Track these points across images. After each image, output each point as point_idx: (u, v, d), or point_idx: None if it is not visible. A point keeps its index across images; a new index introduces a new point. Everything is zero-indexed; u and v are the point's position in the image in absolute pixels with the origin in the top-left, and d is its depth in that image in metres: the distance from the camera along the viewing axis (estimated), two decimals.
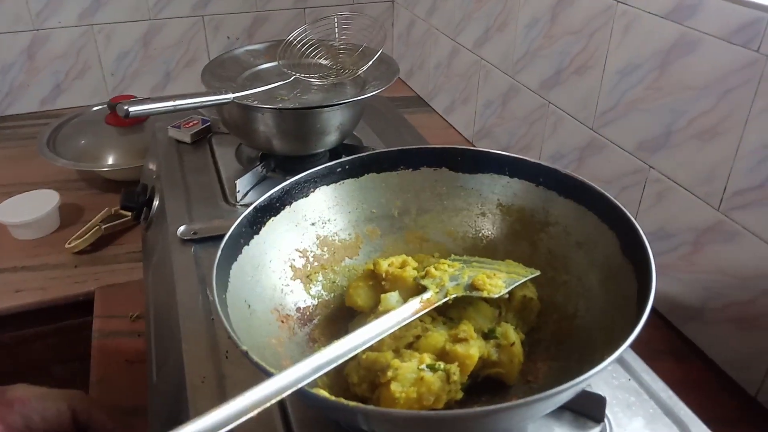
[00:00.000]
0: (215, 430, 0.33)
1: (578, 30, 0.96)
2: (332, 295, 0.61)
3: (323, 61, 0.96)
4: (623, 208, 0.53)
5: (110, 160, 1.20)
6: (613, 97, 0.91)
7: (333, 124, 0.85)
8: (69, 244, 1.03)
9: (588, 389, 0.52)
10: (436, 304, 0.50)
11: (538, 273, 0.55)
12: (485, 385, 0.51)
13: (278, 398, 0.36)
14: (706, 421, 0.54)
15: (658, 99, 0.83)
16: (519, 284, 0.53)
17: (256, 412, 0.35)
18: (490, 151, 0.64)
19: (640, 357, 0.61)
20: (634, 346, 0.62)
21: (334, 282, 0.62)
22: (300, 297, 0.59)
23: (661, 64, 0.81)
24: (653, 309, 0.90)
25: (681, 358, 0.84)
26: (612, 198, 0.54)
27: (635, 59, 0.86)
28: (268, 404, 0.36)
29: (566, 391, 0.38)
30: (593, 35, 0.93)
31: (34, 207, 1.07)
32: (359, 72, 0.91)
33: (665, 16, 0.79)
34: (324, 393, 0.40)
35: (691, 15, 0.76)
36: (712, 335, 0.81)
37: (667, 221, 0.85)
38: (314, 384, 0.43)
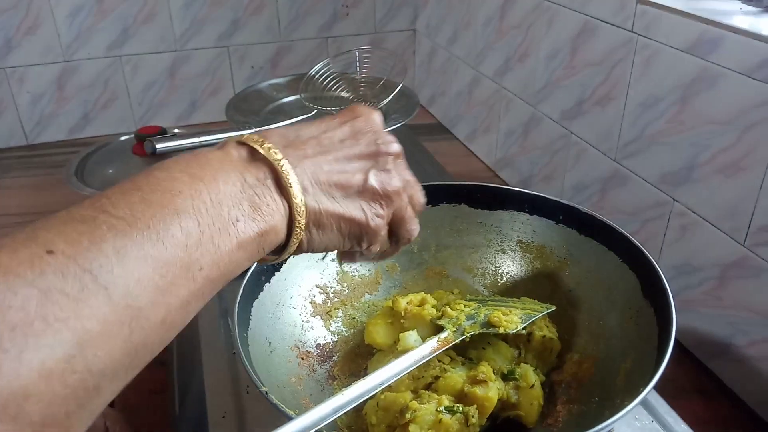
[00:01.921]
0: None
1: (599, 62, 0.96)
2: (352, 331, 0.61)
3: (344, 94, 0.97)
4: (644, 250, 0.52)
5: None
6: (636, 129, 0.91)
7: None
8: None
9: None
10: (454, 343, 0.50)
11: (553, 308, 0.55)
12: (504, 427, 0.51)
13: None
14: None
15: (680, 132, 0.83)
16: (535, 320, 0.53)
17: None
18: (510, 188, 0.64)
19: (665, 394, 0.60)
20: (658, 384, 0.62)
21: (354, 318, 0.62)
22: (320, 333, 0.59)
23: (683, 98, 0.81)
24: (678, 344, 0.88)
25: (707, 395, 0.83)
26: (633, 239, 0.54)
27: (657, 92, 0.86)
28: None
29: None
30: (614, 67, 0.93)
31: None
32: (380, 105, 0.92)
33: (686, 51, 0.79)
34: None
35: (712, 50, 0.75)
36: (739, 372, 0.79)
37: (692, 255, 0.84)
38: (334, 425, 0.44)
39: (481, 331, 0.51)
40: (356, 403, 0.42)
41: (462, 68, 1.43)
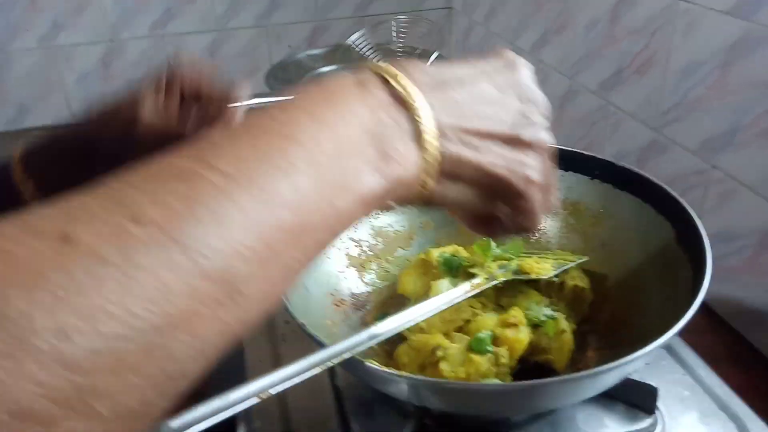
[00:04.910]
0: (272, 386, 0.35)
1: (639, 29, 0.95)
2: (385, 283, 0.62)
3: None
4: (679, 198, 0.52)
5: None
6: (676, 96, 0.89)
7: None
8: None
9: (640, 380, 0.52)
10: (486, 286, 0.51)
11: (586, 258, 0.55)
12: (535, 372, 0.51)
13: (331, 363, 0.38)
14: None
15: (721, 97, 0.81)
16: (568, 268, 0.53)
17: (310, 373, 0.37)
18: None
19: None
20: (694, 349, 0.61)
21: (387, 271, 0.63)
22: (354, 284, 0.61)
23: (725, 62, 0.80)
24: (714, 313, 0.87)
25: (744, 364, 0.81)
26: (668, 188, 0.54)
27: (698, 57, 0.84)
28: (321, 368, 0.38)
29: (612, 371, 0.39)
30: (654, 34, 0.92)
31: None
32: None
33: (728, 12, 0.78)
34: (374, 363, 0.42)
35: (756, 10, 0.74)
36: None
37: (731, 223, 0.82)
38: (365, 356, 0.45)
39: (513, 277, 0.52)
40: (388, 335, 0.43)
41: (499, 44, 1.42)
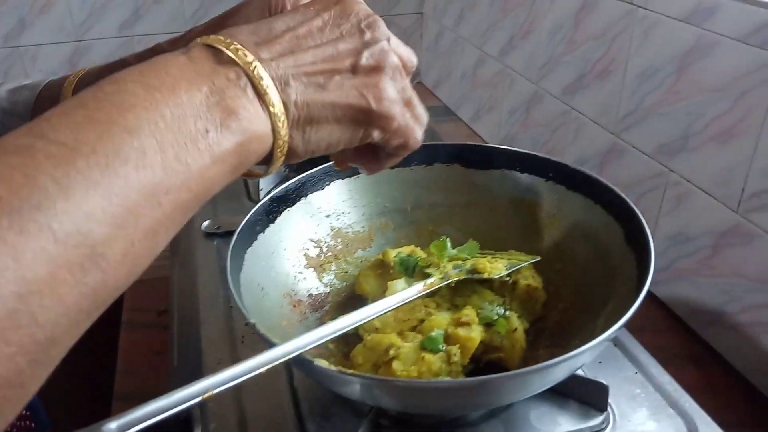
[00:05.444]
0: (225, 383, 0.35)
1: (600, 35, 0.97)
2: (344, 284, 0.63)
3: None
4: (627, 199, 0.53)
5: None
6: (634, 101, 0.91)
7: None
8: None
9: (592, 378, 0.53)
10: (439, 286, 0.51)
11: (538, 258, 0.56)
12: (488, 371, 0.52)
13: (278, 363, 0.38)
14: (723, 425, 0.53)
15: (676, 102, 0.83)
16: (520, 267, 0.54)
17: (256, 373, 0.37)
18: (502, 147, 0.65)
19: (658, 361, 0.60)
20: (651, 350, 0.63)
21: (346, 272, 0.64)
22: (313, 284, 0.61)
23: (679, 68, 0.82)
24: (672, 314, 0.89)
25: (700, 363, 0.83)
26: (617, 190, 0.55)
27: (654, 63, 0.86)
28: (269, 367, 0.38)
29: (560, 365, 0.39)
30: (614, 40, 0.94)
31: None
32: None
33: (683, 20, 0.80)
34: (324, 362, 0.42)
35: (708, 17, 0.76)
36: (732, 340, 0.80)
37: (687, 225, 0.84)
38: (317, 356, 0.45)
39: (466, 276, 0.53)
40: (340, 333, 0.43)
41: (467, 49, 1.44)
